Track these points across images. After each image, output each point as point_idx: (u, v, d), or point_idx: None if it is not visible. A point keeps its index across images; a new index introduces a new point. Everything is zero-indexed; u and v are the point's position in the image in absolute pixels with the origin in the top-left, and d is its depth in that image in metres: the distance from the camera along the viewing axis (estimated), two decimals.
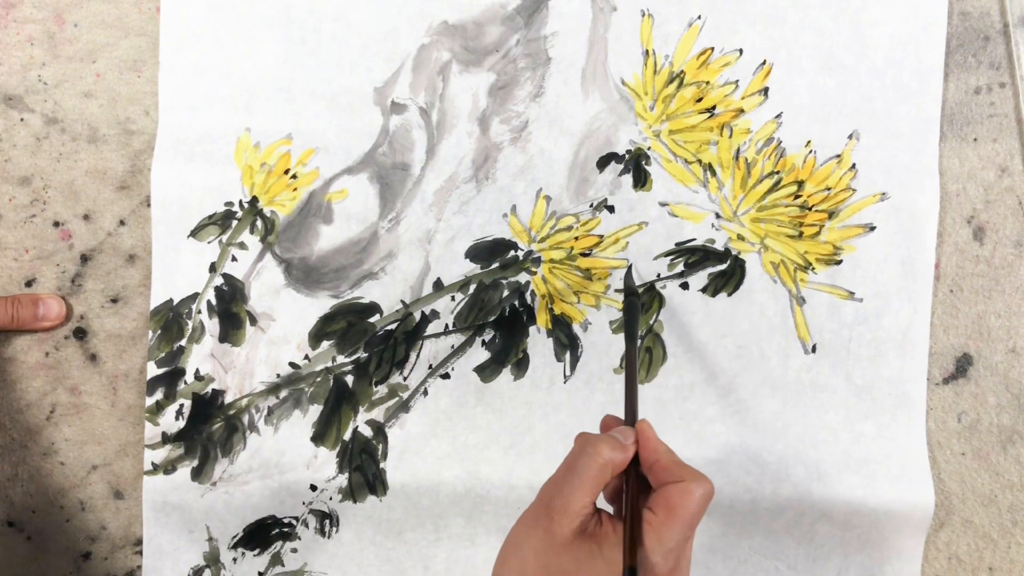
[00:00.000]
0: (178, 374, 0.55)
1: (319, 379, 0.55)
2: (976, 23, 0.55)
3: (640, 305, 0.53)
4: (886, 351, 0.55)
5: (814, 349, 0.55)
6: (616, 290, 0.55)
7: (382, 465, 0.55)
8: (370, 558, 0.56)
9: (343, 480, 0.55)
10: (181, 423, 0.55)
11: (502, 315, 0.55)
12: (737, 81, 0.55)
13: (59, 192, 0.55)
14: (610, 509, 0.42)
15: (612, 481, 0.41)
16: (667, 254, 0.55)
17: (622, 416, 0.43)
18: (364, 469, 0.55)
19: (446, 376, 0.55)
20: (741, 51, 0.55)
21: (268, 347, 0.55)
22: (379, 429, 0.55)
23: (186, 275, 0.55)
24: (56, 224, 0.55)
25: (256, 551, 0.56)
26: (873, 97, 0.55)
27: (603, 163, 0.55)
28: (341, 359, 0.55)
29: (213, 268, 0.55)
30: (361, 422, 0.55)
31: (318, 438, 0.55)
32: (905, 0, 0.54)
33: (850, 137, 0.55)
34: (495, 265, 0.55)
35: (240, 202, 0.55)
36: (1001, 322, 0.56)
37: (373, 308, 0.55)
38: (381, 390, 0.55)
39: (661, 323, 0.55)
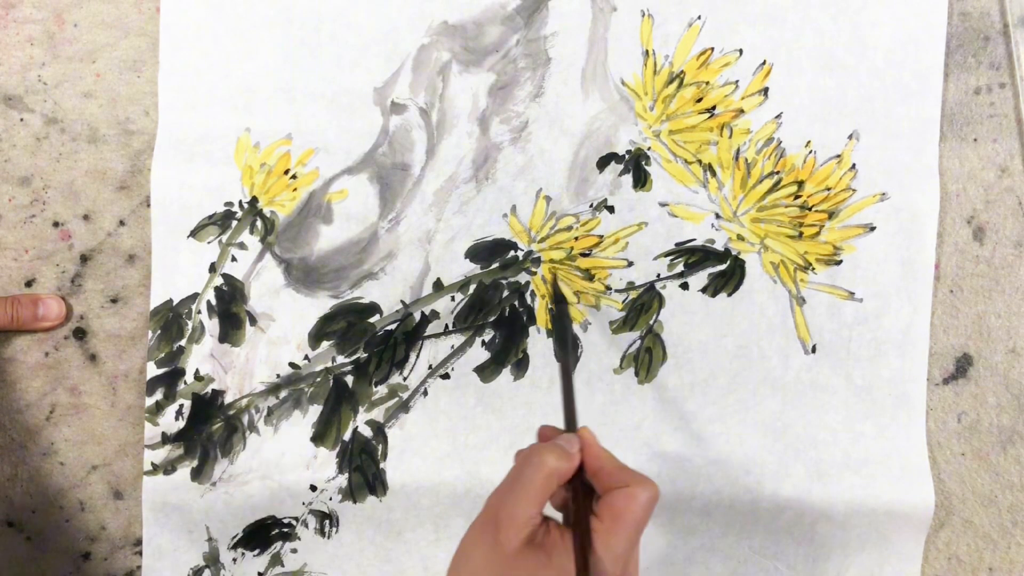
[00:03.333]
0: (178, 374, 0.55)
1: (319, 379, 0.55)
2: (976, 23, 0.55)
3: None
4: (886, 351, 0.55)
5: (814, 349, 0.55)
6: (617, 291, 0.55)
7: (382, 465, 0.55)
8: (370, 558, 0.56)
9: (343, 480, 0.55)
10: (181, 423, 0.55)
11: (502, 315, 0.55)
12: (737, 81, 0.55)
13: (59, 192, 0.55)
14: (558, 516, 0.42)
15: (559, 491, 0.40)
16: (667, 254, 0.55)
17: (560, 425, 0.43)
18: (364, 469, 0.55)
19: (446, 376, 0.55)
20: (741, 51, 0.55)
21: (268, 347, 0.55)
22: (379, 429, 0.55)
23: (186, 275, 0.55)
24: (56, 224, 0.55)
25: (256, 551, 0.56)
26: (873, 97, 0.55)
27: (603, 163, 0.55)
28: (341, 359, 0.55)
29: (213, 268, 0.55)
30: (361, 422, 0.55)
31: (318, 438, 0.55)
32: (905, 0, 0.54)
33: (850, 137, 0.55)
34: (495, 265, 0.55)
35: (240, 202, 0.55)
36: (1001, 322, 0.56)
37: (373, 308, 0.55)
38: (381, 390, 0.55)
39: (661, 323, 0.55)
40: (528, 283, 0.55)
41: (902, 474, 0.55)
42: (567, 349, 0.45)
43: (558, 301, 0.51)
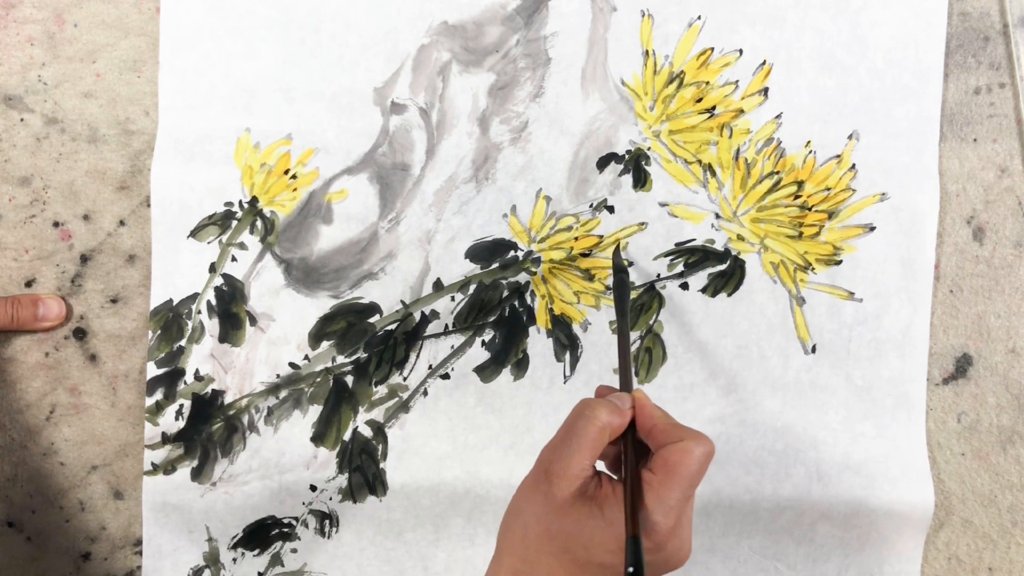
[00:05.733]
0: (178, 374, 0.55)
1: (319, 379, 0.55)
2: (976, 23, 0.55)
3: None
4: (886, 351, 0.55)
5: (814, 349, 0.55)
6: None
7: (382, 465, 0.55)
8: (370, 558, 0.56)
9: (343, 480, 0.55)
10: (181, 423, 0.55)
11: (502, 315, 0.55)
12: (737, 81, 0.55)
13: (59, 192, 0.55)
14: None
15: (610, 449, 0.41)
16: (667, 254, 0.55)
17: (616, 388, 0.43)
18: (364, 469, 0.55)
19: (446, 376, 0.55)
20: (741, 51, 0.55)
21: (268, 347, 0.55)
22: (379, 429, 0.55)
23: (186, 275, 0.55)
24: (56, 224, 0.55)
25: (256, 551, 0.56)
26: (873, 97, 0.55)
27: (603, 163, 0.55)
28: (341, 359, 0.55)
29: (213, 268, 0.55)
30: (361, 422, 0.55)
31: (318, 438, 0.55)
32: (905, 0, 0.54)
33: (850, 137, 0.55)
34: (495, 265, 0.55)
35: (240, 202, 0.55)
36: (1001, 322, 0.56)
37: (373, 308, 0.55)
38: (381, 390, 0.55)
39: (661, 323, 0.55)
40: (528, 283, 0.55)
41: (902, 474, 0.55)
42: (626, 316, 0.46)
43: (618, 271, 0.51)
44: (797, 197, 0.55)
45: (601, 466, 0.41)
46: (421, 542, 0.56)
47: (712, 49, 0.55)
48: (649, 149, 0.55)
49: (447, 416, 0.55)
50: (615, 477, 0.40)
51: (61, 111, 0.55)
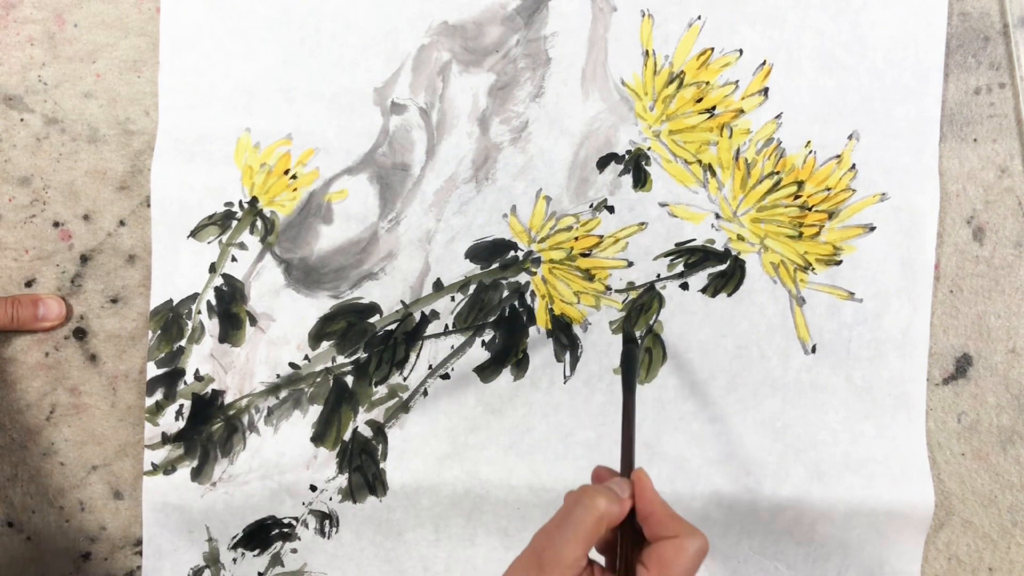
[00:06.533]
0: (178, 374, 0.55)
1: (319, 379, 0.55)
2: (976, 23, 0.55)
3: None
4: (886, 351, 0.55)
5: (814, 349, 0.55)
6: (617, 291, 0.55)
7: (382, 465, 0.55)
8: (370, 558, 0.56)
9: (343, 480, 0.55)
10: (181, 423, 0.55)
11: (502, 315, 0.55)
12: (737, 81, 0.55)
13: (59, 192, 0.55)
14: (601, 559, 0.41)
15: (606, 534, 0.40)
16: (667, 254, 0.55)
17: (614, 466, 0.43)
18: (364, 469, 0.55)
19: (446, 376, 0.55)
20: (741, 51, 0.55)
21: (268, 347, 0.55)
22: (379, 429, 0.55)
23: (186, 275, 0.55)
24: (56, 224, 0.55)
25: (256, 551, 0.56)
26: (873, 97, 0.55)
27: (603, 163, 0.55)
28: (341, 359, 0.55)
29: (213, 268, 0.55)
30: (361, 422, 0.55)
31: (318, 438, 0.55)
32: (905, 0, 0.54)
33: (850, 137, 0.55)
34: (495, 265, 0.55)
35: (240, 202, 0.55)
36: (1001, 322, 0.56)
37: (373, 308, 0.55)
38: (381, 390, 0.55)
39: (661, 323, 0.55)
40: (528, 283, 0.55)
41: (902, 474, 0.55)
42: (632, 392, 0.45)
43: (628, 340, 0.50)
44: (797, 197, 0.55)
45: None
46: (421, 542, 0.56)
47: (712, 49, 0.55)
48: (649, 149, 0.55)
49: (447, 416, 0.55)
50: (607, 567, 0.40)
51: (61, 111, 0.55)
